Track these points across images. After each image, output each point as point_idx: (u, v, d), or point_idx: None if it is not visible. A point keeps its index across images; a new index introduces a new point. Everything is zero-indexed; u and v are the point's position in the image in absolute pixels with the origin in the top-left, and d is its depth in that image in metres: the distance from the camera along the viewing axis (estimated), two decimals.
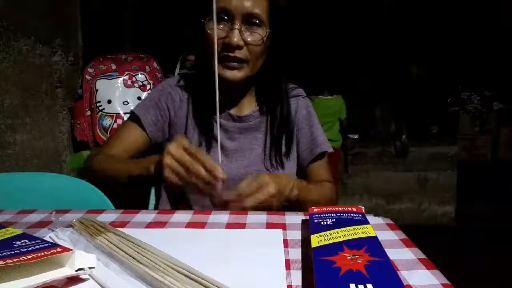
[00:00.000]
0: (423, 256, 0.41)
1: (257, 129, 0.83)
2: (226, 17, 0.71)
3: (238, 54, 0.72)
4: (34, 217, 0.55)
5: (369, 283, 0.29)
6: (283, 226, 0.51)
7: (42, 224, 0.52)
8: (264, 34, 0.73)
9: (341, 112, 3.31)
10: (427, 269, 0.38)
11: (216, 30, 0.72)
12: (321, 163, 0.87)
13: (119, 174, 0.71)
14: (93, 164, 0.77)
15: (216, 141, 0.80)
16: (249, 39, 0.72)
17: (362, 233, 0.40)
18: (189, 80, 0.86)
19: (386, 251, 0.35)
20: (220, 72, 0.72)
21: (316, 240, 0.39)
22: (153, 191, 0.90)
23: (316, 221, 0.45)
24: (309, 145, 0.85)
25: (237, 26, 0.71)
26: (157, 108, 0.81)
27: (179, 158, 0.56)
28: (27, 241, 0.38)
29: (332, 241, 0.38)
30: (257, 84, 0.83)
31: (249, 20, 0.72)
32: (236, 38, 0.70)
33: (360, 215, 0.45)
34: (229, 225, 0.52)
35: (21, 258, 0.33)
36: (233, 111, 0.82)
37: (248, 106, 0.84)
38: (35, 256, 0.34)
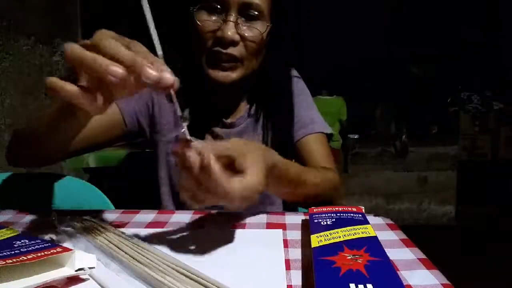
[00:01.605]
0: (423, 256, 0.41)
1: (252, 130, 0.75)
2: (219, 7, 0.61)
3: (232, 51, 0.62)
4: (34, 217, 0.55)
5: (369, 283, 0.29)
6: (283, 226, 0.51)
7: (42, 224, 0.52)
8: (264, 29, 0.63)
9: (341, 113, 3.31)
10: (427, 269, 0.38)
11: (207, 22, 0.62)
12: (314, 145, 0.72)
13: (41, 121, 0.53)
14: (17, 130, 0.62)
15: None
16: (246, 34, 0.62)
17: (362, 233, 0.40)
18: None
19: (386, 251, 0.35)
20: (211, 73, 0.64)
21: (316, 240, 0.39)
22: None
23: (316, 221, 0.45)
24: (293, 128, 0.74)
25: (232, 18, 0.60)
26: (139, 96, 0.71)
27: (91, 41, 0.35)
28: (27, 241, 0.38)
29: (332, 241, 0.38)
30: (252, 85, 0.73)
31: (246, 11, 0.62)
32: (230, 32, 0.60)
33: (360, 215, 0.45)
34: (229, 225, 0.51)
35: (21, 258, 0.33)
36: (225, 116, 0.74)
37: (240, 109, 0.75)
38: (35, 256, 0.34)
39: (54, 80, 0.35)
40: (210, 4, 0.61)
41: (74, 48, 0.34)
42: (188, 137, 0.38)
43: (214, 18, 0.62)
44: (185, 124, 0.39)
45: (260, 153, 0.44)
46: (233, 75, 0.64)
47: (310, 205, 0.52)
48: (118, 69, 0.33)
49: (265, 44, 0.66)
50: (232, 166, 0.40)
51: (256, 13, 0.62)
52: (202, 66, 0.64)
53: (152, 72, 0.33)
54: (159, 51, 0.36)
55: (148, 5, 0.36)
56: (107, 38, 0.34)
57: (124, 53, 0.33)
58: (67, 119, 0.46)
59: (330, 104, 3.26)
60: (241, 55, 0.63)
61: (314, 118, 0.76)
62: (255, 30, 0.63)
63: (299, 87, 0.78)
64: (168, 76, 0.34)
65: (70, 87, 0.35)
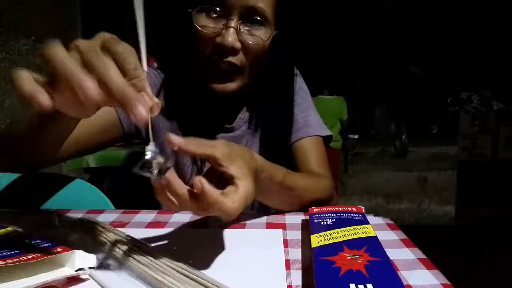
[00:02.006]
0: (423, 256, 0.41)
1: (251, 134, 0.73)
2: (220, 10, 0.56)
3: (232, 59, 0.58)
4: (34, 217, 0.55)
5: (369, 283, 0.29)
6: (283, 226, 0.51)
7: (42, 224, 0.52)
8: (267, 36, 0.59)
9: (342, 113, 3.31)
10: (427, 269, 0.38)
11: (207, 27, 0.57)
12: (308, 149, 0.70)
13: (24, 125, 0.50)
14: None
15: None
16: (247, 41, 0.58)
17: (362, 233, 0.40)
18: (171, 82, 0.72)
19: (386, 251, 0.35)
20: (209, 83, 0.60)
21: (316, 240, 0.39)
22: None
23: (316, 221, 0.45)
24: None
25: (233, 23, 0.56)
26: None
27: (84, 49, 0.31)
28: (27, 241, 0.38)
29: (332, 241, 0.38)
30: (253, 88, 0.69)
31: (249, 16, 0.57)
32: (231, 38, 0.55)
33: (360, 215, 0.45)
34: (229, 225, 0.52)
35: (21, 258, 0.33)
36: (225, 122, 0.71)
37: (240, 113, 0.73)
38: (35, 256, 0.34)
39: (17, 72, 0.30)
40: (211, 7, 0.57)
41: (57, 51, 0.30)
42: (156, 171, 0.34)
43: (214, 22, 0.57)
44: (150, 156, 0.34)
45: (245, 156, 0.41)
46: (232, 85, 0.60)
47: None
48: (93, 92, 0.28)
49: (268, 51, 0.62)
50: (214, 169, 0.38)
51: (260, 18, 0.58)
52: (201, 75, 0.61)
53: (142, 112, 0.29)
54: (145, 68, 0.33)
55: (143, 18, 0.32)
56: (98, 54, 0.30)
57: (116, 81, 0.29)
58: (51, 122, 0.44)
59: (331, 104, 3.25)
60: (241, 64, 0.59)
61: (309, 120, 0.73)
62: (257, 38, 0.58)
63: (298, 85, 0.75)
64: (141, 111, 0.30)
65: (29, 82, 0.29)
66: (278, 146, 0.71)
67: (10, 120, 0.59)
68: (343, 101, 3.34)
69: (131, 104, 0.29)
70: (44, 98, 0.29)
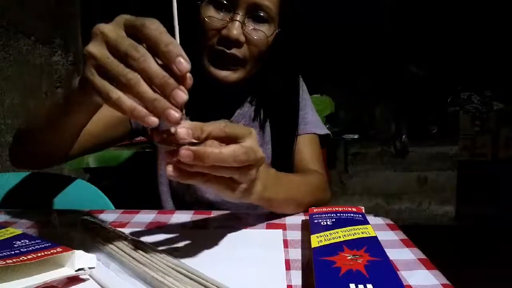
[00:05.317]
0: (423, 256, 0.41)
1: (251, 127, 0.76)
2: (227, 3, 0.59)
3: (235, 51, 0.60)
4: (34, 217, 0.55)
5: (369, 283, 0.29)
6: (283, 226, 0.51)
7: (42, 224, 0.52)
8: (271, 32, 0.62)
9: (325, 111, 3.21)
10: (427, 269, 0.38)
11: (213, 19, 0.60)
12: (302, 146, 0.73)
13: (39, 120, 0.52)
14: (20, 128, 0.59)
15: None
16: (251, 35, 0.60)
17: (362, 233, 0.40)
18: None
19: (386, 251, 0.35)
20: (212, 71, 0.62)
21: (316, 240, 0.39)
22: None
23: (316, 221, 0.45)
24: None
25: (239, 17, 0.58)
26: None
27: (115, 41, 0.32)
28: (27, 241, 0.38)
29: (332, 241, 0.38)
30: (255, 85, 0.72)
31: (255, 12, 0.60)
32: (236, 31, 0.58)
33: (360, 215, 0.45)
34: (229, 225, 0.52)
35: (21, 258, 0.33)
36: (223, 116, 0.72)
37: (241, 107, 0.74)
38: (35, 256, 0.34)
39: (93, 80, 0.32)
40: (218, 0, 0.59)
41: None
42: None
43: (220, 15, 0.60)
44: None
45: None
46: (235, 75, 0.63)
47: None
48: (145, 113, 0.32)
49: (270, 47, 0.64)
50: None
51: (264, 15, 0.60)
52: (204, 63, 0.63)
53: (182, 96, 0.33)
54: (177, 39, 0.35)
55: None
56: (130, 43, 0.32)
57: (156, 71, 0.31)
58: (66, 116, 0.45)
59: (316, 102, 3.18)
60: (244, 56, 0.62)
61: (306, 118, 0.76)
62: (261, 33, 0.61)
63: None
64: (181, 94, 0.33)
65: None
66: (286, 140, 0.73)
67: (27, 116, 0.60)
68: (328, 101, 3.26)
69: (170, 93, 0.32)
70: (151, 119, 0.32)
